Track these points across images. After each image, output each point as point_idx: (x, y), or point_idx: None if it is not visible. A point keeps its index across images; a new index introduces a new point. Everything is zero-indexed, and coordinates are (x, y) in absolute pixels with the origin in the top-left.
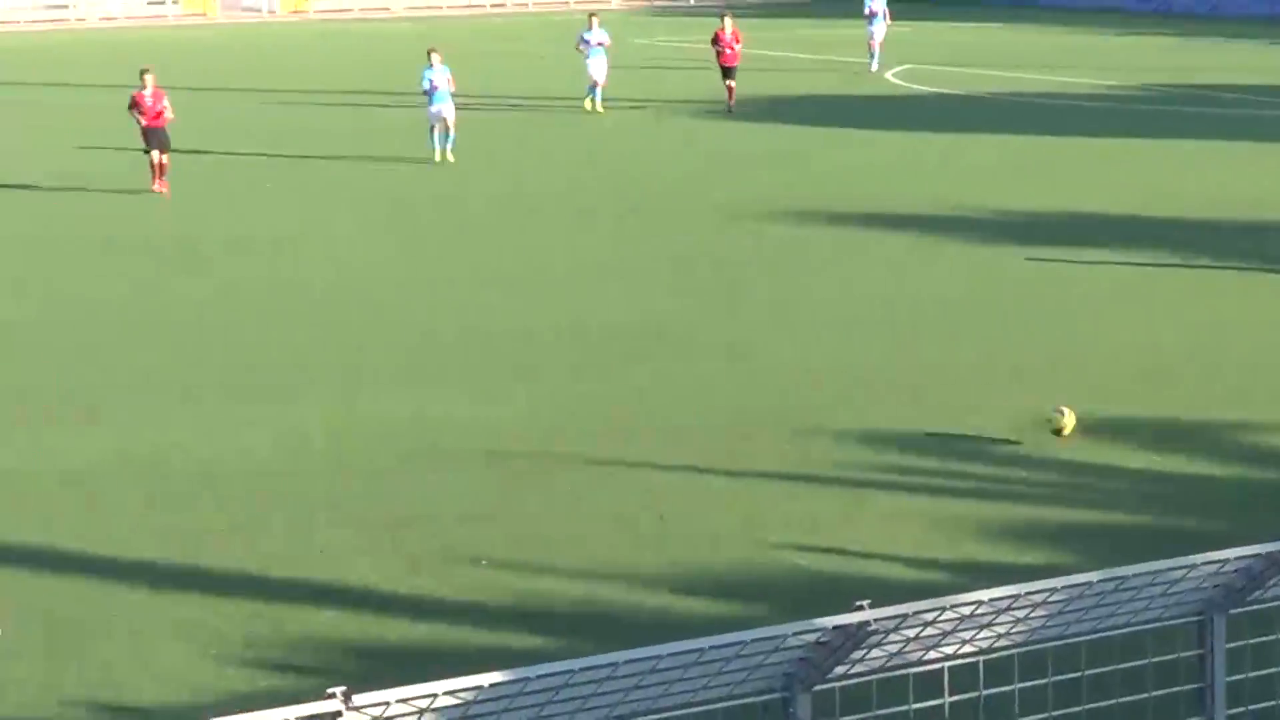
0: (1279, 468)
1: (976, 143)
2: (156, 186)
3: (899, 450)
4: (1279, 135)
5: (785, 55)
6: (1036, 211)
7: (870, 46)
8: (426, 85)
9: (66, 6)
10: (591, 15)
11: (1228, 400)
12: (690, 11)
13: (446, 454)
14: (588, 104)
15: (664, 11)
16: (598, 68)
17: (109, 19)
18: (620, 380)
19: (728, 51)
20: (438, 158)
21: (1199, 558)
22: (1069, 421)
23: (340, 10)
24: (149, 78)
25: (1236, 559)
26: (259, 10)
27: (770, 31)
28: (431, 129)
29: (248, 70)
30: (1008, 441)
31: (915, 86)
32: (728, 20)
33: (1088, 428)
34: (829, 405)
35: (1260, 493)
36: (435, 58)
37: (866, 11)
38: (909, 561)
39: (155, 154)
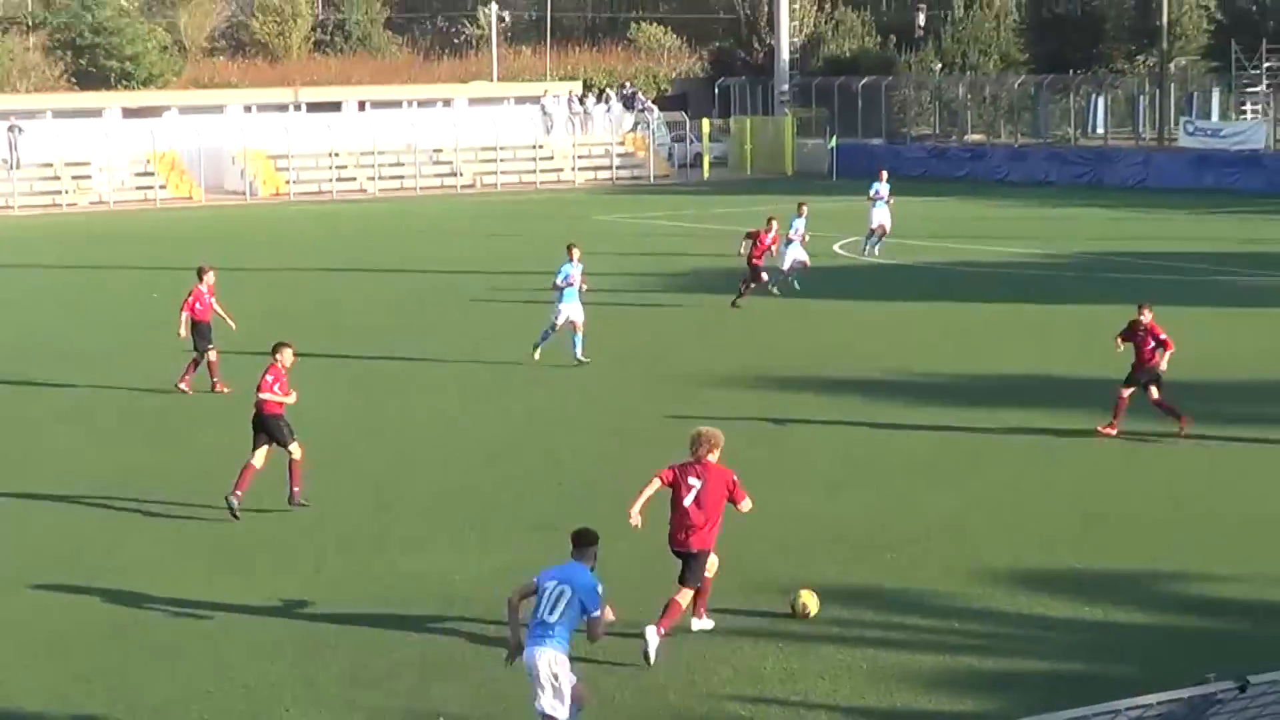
0: (1201, 614)
1: (917, 310)
2: (218, 386)
3: (841, 603)
4: (1205, 299)
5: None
6: (974, 375)
7: (871, 229)
8: (562, 280)
9: (58, 192)
10: (801, 204)
11: (1154, 551)
12: (651, 189)
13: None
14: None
15: (626, 189)
16: (796, 254)
17: (99, 203)
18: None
19: (759, 252)
20: (580, 355)
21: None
22: (811, 603)
23: (318, 193)
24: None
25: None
26: (241, 193)
27: (749, 207)
28: (551, 327)
29: (261, 249)
30: (946, 593)
31: (862, 257)
32: (775, 224)
33: (1023, 578)
34: (773, 558)
35: (1182, 639)
36: (575, 253)
37: (872, 194)
38: (847, 712)
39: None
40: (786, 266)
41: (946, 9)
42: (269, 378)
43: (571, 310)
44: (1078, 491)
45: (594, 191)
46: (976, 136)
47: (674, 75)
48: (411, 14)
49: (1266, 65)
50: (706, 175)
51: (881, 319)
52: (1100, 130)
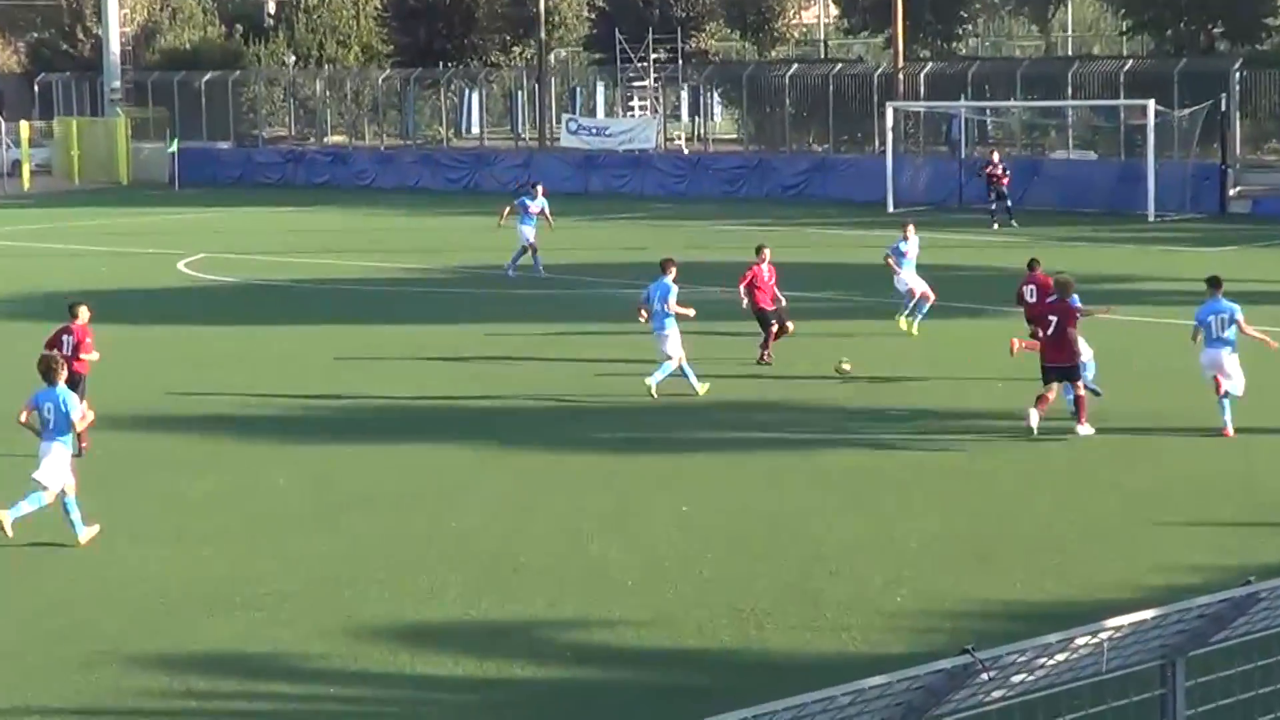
0: (598, 664)
1: (277, 334)
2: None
3: (199, 672)
4: (578, 313)
5: (85, 247)
6: (340, 407)
7: (524, 246)
8: (658, 303)
9: None
10: (907, 225)
11: (554, 596)
12: None
13: None
14: (902, 323)
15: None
16: (912, 279)
17: None
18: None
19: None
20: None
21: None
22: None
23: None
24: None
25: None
26: None
27: (79, 220)
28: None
29: None
30: (320, 654)
31: (211, 277)
32: (768, 253)
33: (406, 633)
34: (101, 621)
35: (578, 691)
36: (673, 269)
37: (518, 206)
38: None
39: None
40: (915, 291)
41: None
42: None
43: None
44: (468, 534)
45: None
46: (338, 138)
47: None
48: None
49: (655, 57)
50: (28, 186)
51: (234, 347)
52: (476, 130)
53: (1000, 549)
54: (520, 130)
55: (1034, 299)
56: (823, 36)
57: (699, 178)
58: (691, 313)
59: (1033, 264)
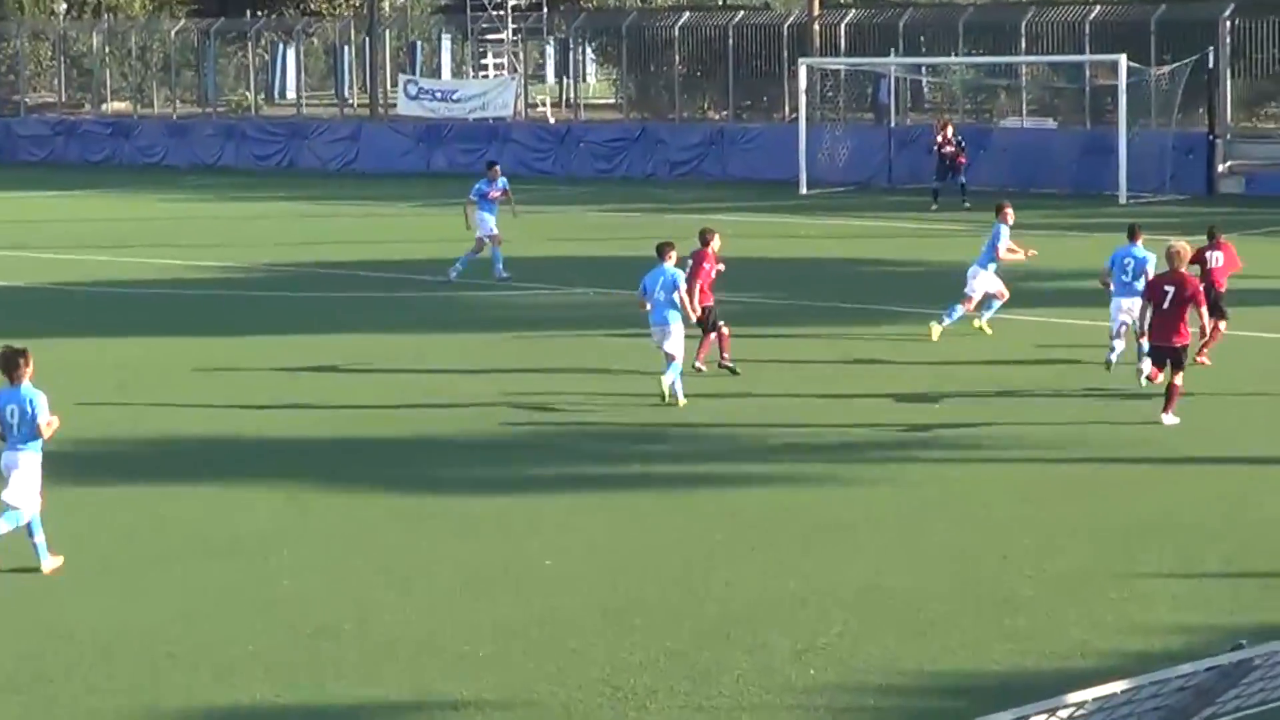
0: None
1: (64, 348)
2: None
3: None
4: (411, 320)
5: None
6: (112, 437)
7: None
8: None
9: None
10: (1003, 206)
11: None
12: None
13: None
14: (977, 323)
15: None
16: (989, 282)
17: None
18: None
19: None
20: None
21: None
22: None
23: None
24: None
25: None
26: None
27: None
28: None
29: None
30: None
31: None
32: (716, 240)
33: None
34: None
35: None
36: (673, 255)
37: (475, 195)
38: None
39: None
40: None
41: None
42: None
43: (671, 330)
44: (283, 597)
45: None
46: (119, 105)
47: None
48: None
49: (513, 4)
50: None
51: None
52: (292, 95)
53: (941, 607)
54: (347, 95)
55: (1220, 266)
56: None
57: (568, 153)
58: (695, 315)
59: (1213, 231)
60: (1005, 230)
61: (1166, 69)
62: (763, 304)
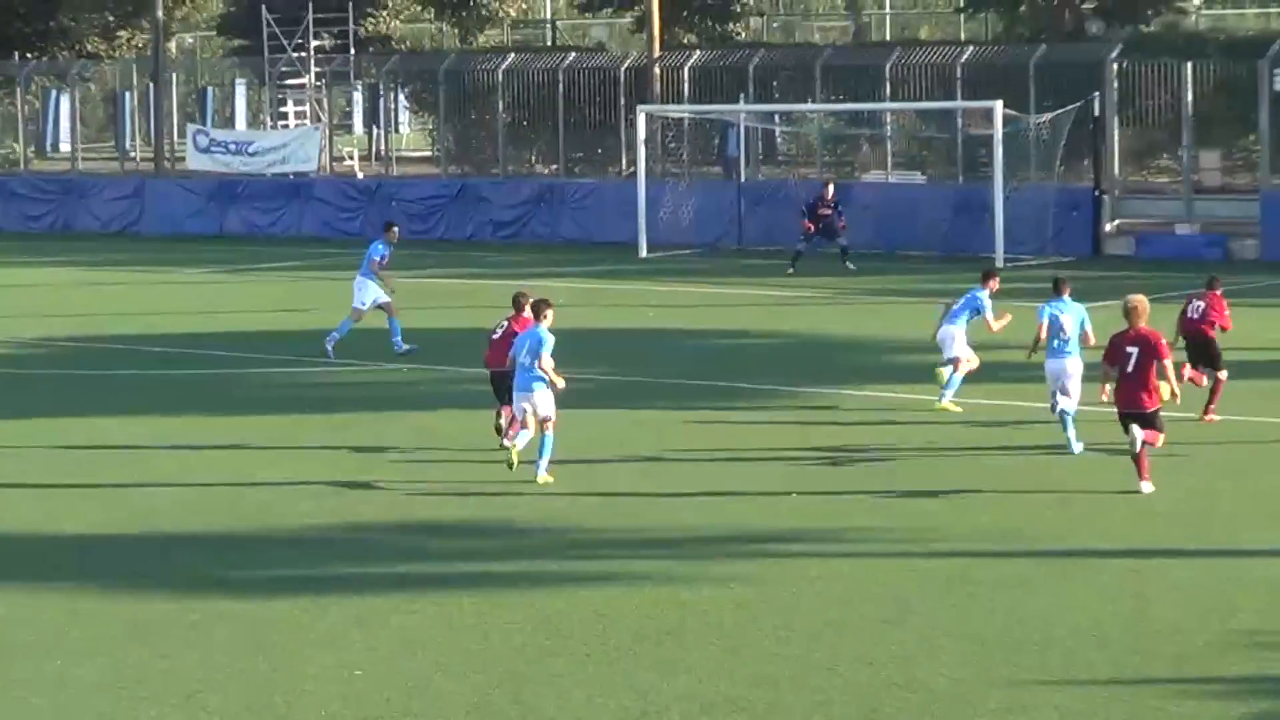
0: None
1: None
2: None
3: None
4: (205, 402)
5: None
6: None
7: None
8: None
9: None
10: (990, 274)
11: None
12: None
13: None
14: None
15: None
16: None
17: None
18: None
19: None
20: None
21: None
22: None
23: None
24: None
25: None
26: None
27: None
28: (508, 420)
29: None
30: None
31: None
32: (526, 306)
33: None
34: None
35: None
36: (549, 314)
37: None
38: None
39: None
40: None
41: None
42: None
43: (538, 397)
44: None
45: None
46: None
47: None
48: None
49: (317, 45)
50: None
51: None
52: (66, 147)
53: None
54: (129, 147)
55: (1198, 317)
56: (549, 16)
57: (379, 212)
58: (562, 383)
59: (1213, 282)
60: (987, 297)
61: (1047, 117)
62: (599, 382)
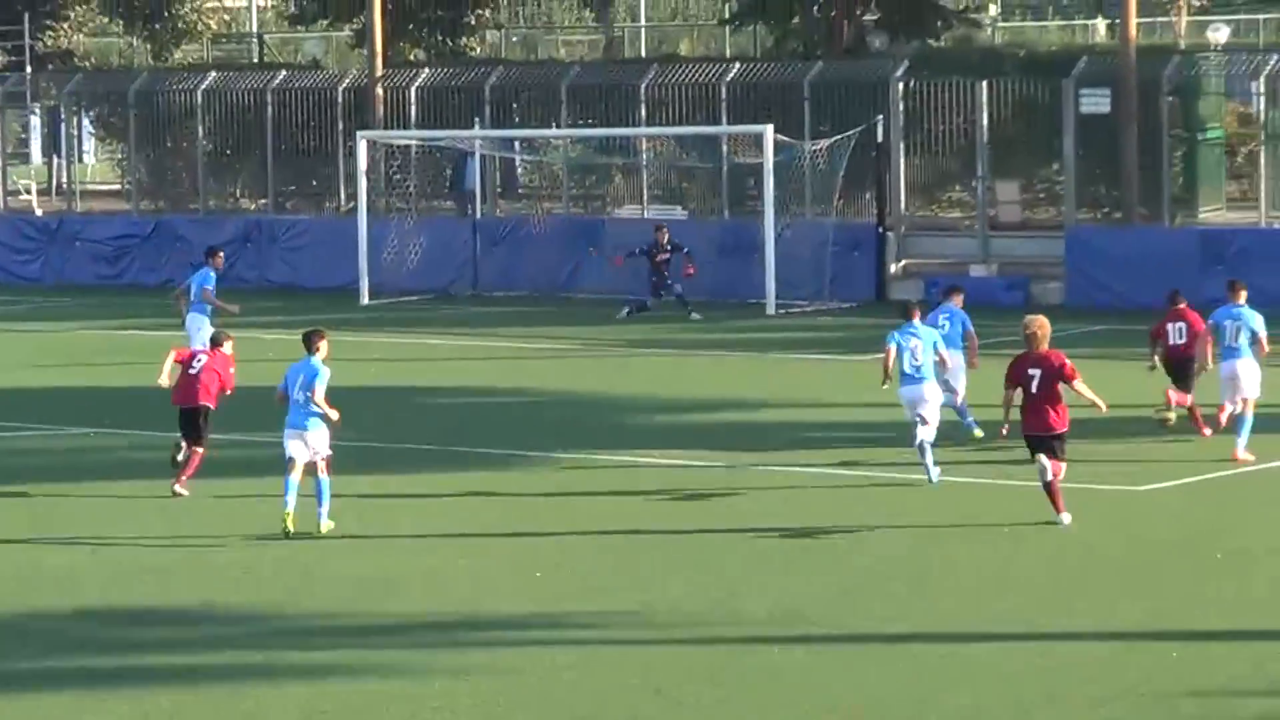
0: None
1: None
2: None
3: None
4: None
5: None
6: None
7: None
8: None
9: None
10: (953, 290)
11: None
12: None
13: None
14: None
15: None
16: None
17: None
18: None
19: None
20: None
21: None
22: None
23: None
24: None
25: None
26: None
27: None
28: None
29: None
30: None
31: None
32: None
33: None
34: None
35: None
36: (323, 345)
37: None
38: None
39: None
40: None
41: None
42: None
43: (315, 437)
44: None
45: None
46: None
47: None
48: None
49: None
50: None
51: None
52: None
53: None
54: None
55: (1183, 340)
56: (254, 28)
57: (61, 254)
58: (335, 415)
59: (1175, 297)
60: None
61: (825, 143)
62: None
